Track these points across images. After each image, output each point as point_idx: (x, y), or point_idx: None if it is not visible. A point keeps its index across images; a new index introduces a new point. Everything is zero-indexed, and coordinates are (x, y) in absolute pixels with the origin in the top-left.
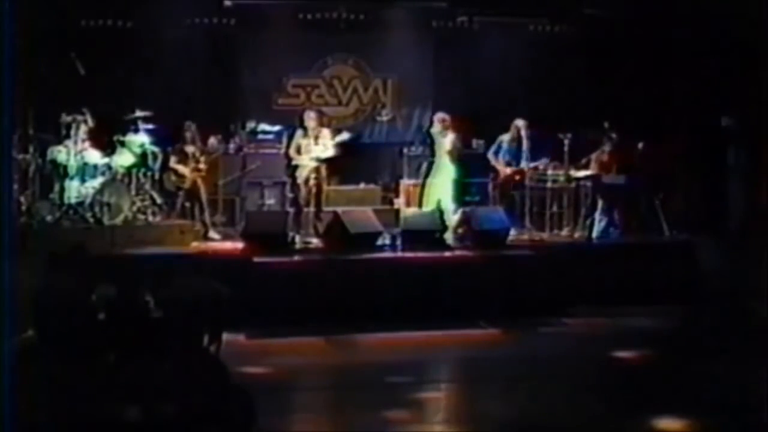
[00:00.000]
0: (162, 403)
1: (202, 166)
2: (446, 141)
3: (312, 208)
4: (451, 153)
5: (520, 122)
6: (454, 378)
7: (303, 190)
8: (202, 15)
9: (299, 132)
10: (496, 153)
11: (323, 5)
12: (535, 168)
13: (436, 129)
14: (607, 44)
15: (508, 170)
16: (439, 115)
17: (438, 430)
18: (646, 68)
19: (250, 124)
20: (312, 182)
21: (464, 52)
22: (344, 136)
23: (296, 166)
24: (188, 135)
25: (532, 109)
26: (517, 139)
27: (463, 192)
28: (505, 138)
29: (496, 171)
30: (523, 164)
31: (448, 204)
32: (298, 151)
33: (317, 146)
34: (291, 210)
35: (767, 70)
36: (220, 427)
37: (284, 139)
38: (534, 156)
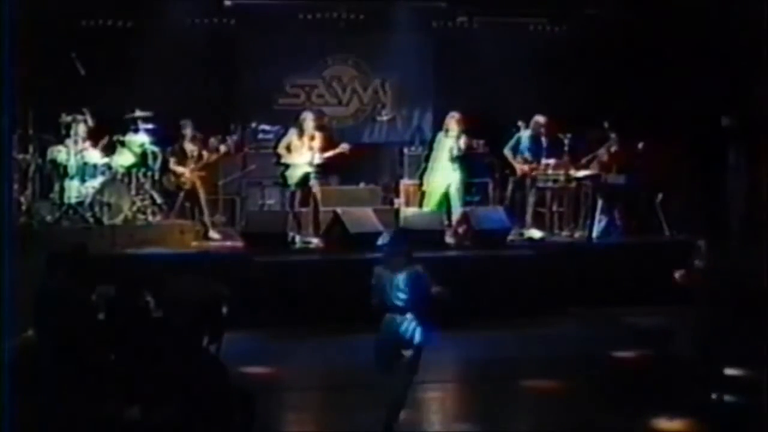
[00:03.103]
0: (162, 403)
1: (203, 164)
2: (460, 142)
3: (311, 208)
4: (458, 154)
5: (540, 119)
6: (453, 378)
7: (297, 192)
8: (202, 15)
9: (294, 131)
10: (514, 149)
11: (323, 5)
12: (536, 167)
13: (452, 130)
14: (607, 44)
15: (526, 167)
16: (456, 116)
17: (438, 430)
18: (646, 68)
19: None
20: (312, 182)
21: (464, 52)
22: (344, 147)
23: (287, 166)
24: (186, 133)
25: (532, 109)
26: (537, 137)
27: (463, 192)
28: (525, 134)
29: (511, 168)
30: (543, 161)
31: (456, 204)
32: (288, 149)
33: (310, 150)
34: (291, 210)
35: (767, 70)
36: (220, 427)
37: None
38: (551, 153)
